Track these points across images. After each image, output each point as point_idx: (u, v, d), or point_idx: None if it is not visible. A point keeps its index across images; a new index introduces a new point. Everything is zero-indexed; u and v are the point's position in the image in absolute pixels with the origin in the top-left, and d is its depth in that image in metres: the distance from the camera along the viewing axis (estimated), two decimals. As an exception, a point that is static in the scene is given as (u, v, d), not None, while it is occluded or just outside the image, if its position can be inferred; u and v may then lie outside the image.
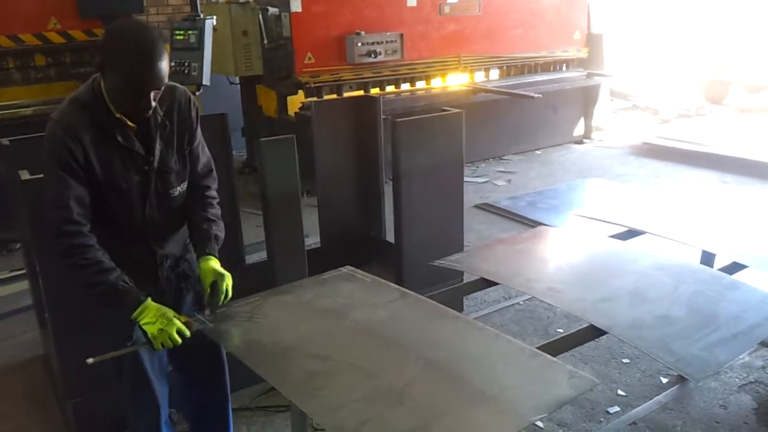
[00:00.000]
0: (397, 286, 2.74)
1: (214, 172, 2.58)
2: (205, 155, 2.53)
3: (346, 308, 2.53)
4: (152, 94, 2.16)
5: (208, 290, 2.41)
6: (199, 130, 2.46)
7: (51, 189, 2.20)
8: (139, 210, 2.33)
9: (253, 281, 2.87)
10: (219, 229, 2.50)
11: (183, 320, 2.29)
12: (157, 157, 2.31)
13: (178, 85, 2.41)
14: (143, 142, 2.29)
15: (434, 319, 2.49)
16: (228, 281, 2.42)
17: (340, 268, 2.85)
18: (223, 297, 2.42)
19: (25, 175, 2.80)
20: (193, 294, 2.57)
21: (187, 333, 2.26)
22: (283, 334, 2.37)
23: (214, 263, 2.42)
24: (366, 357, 2.24)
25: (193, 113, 2.42)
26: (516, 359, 2.21)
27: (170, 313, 2.25)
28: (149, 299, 2.24)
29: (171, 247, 2.49)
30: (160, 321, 2.21)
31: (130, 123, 2.24)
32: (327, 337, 2.38)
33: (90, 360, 2.25)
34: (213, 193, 2.55)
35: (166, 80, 2.18)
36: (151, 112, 2.23)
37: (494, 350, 2.29)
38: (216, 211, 2.52)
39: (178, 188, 2.43)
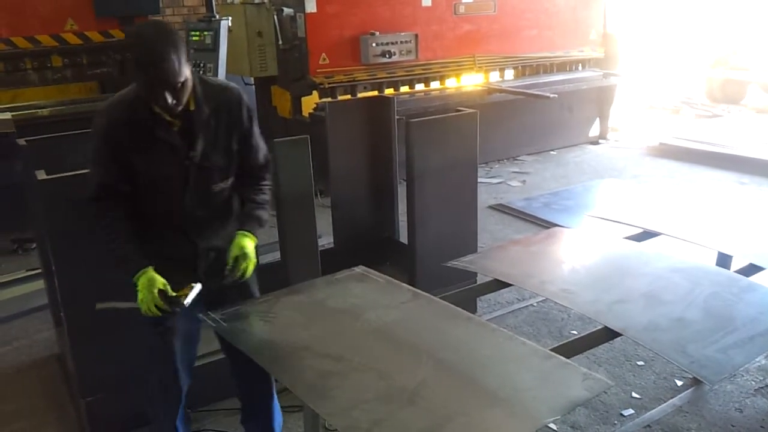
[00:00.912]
0: (409, 287, 2.74)
1: (270, 164, 2.68)
2: (261, 150, 2.61)
3: (359, 308, 2.54)
4: (173, 92, 2.23)
5: (230, 264, 2.49)
6: (254, 128, 2.56)
7: (90, 166, 2.44)
8: (178, 202, 2.44)
9: (267, 281, 2.87)
10: (263, 212, 2.59)
11: (175, 294, 2.36)
12: (198, 153, 2.39)
13: (230, 85, 2.52)
14: (186, 138, 2.37)
15: (447, 320, 2.48)
16: (250, 263, 2.50)
17: (353, 268, 2.85)
18: (239, 275, 2.49)
19: (41, 175, 2.83)
20: (237, 288, 2.59)
21: (163, 308, 2.35)
22: (296, 334, 2.38)
23: (245, 240, 2.50)
24: (378, 357, 2.24)
25: (244, 113, 2.50)
26: (529, 361, 2.20)
27: (157, 285, 2.34)
28: (148, 270, 2.36)
29: (215, 240, 2.54)
30: (143, 291, 2.35)
31: (170, 118, 2.33)
32: (339, 337, 2.39)
33: (99, 305, 2.52)
34: (265, 182, 2.65)
35: (180, 79, 2.22)
36: (194, 108, 2.35)
37: (507, 352, 2.28)
38: (265, 197, 2.61)
39: (221, 184, 2.50)
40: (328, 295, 2.65)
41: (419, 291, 2.70)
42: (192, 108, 2.36)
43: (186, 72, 2.24)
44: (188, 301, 2.37)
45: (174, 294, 2.37)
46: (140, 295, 2.36)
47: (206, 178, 2.45)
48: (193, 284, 2.41)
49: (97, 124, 2.38)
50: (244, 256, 2.49)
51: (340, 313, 2.54)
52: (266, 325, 2.44)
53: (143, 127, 2.34)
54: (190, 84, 2.29)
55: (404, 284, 2.76)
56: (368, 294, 2.68)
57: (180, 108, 2.30)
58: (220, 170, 2.48)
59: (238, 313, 2.48)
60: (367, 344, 2.33)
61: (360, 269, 2.85)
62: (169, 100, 2.24)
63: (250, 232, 2.53)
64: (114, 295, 2.93)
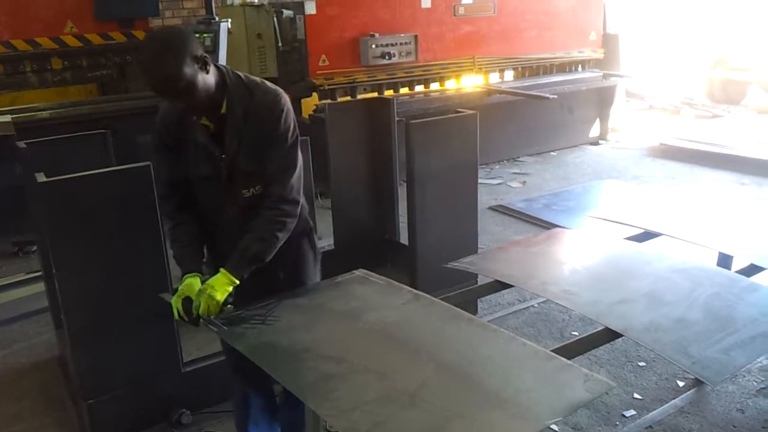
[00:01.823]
0: (410, 289, 2.73)
1: (288, 178, 2.47)
2: (274, 159, 2.44)
3: (360, 310, 2.53)
4: (173, 96, 2.27)
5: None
6: (281, 134, 2.43)
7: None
8: (214, 201, 2.51)
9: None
10: (256, 241, 2.41)
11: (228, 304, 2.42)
12: (228, 156, 2.41)
13: (269, 88, 2.47)
14: (219, 140, 2.41)
15: (448, 322, 2.48)
16: (204, 301, 2.35)
17: (353, 271, 2.85)
18: (195, 313, 2.38)
19: (41, 177, 2.82)
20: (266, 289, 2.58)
21: (178, 316, 2.42)
22: (297, 336, 2.37)
23: (216, 278, 2.37)
24: (379, 359, 2.23)
25: (269, 122, 2.41)
26: (531, 362, 2.19)
27: (184, 291, 2.40)
28: (189, 278, 2.42)
29: None
30: (175, 296, 2.43)
31: (206, 121, 2.40)
32: (341, 339, 2.38)
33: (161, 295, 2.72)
34: (277, 198, 2.46)
35: (178, 84, 2.21)
36: (225, 111, 2.38)
37: (508, 353, 2.27)
38: (264, 223, 2.43)
39: (252, 189, 2.48)
40: (329, 298, 2.65)
41: (420, 292, 2.69)
42: (224, 111, 2.39)
43: (187, 77, 2.21)
44: (200, 321, 2.40)
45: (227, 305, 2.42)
46: (173, 298, 2.45)
47: (237, 182, 2.45)
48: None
49: (153, 127, 2.51)
50: (201, 292, 2.37)
51: (341, 315, 2.53)
52: (267, 328, 2.43)
53: (183, 129, 2.42)
54: (202, 88, 2.27)
55: (404, 286, 2.75)
56: (369, 296, 2.67)
57: (195, 110, 2.35)
58: (248, 175, 2.45)
59: (238, 317, 2.47)
60: (368, 346, 2.33)
61: (360, 272, 2.84)
62: (175, 104, 2.31)
63: (231, 271, 2.38)
64: (114, 297, 2.95)
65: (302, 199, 2.60)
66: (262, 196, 2.47)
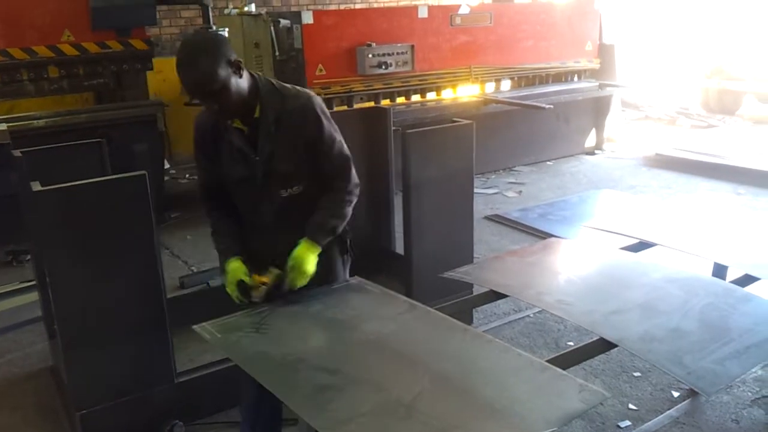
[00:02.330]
0: (406, 298, 2.73)
1: (348, 171, 2.68)
2: (330, 159, 2.61)
3: (355, 320, 2.52)
4: (207, 98, 2.36)
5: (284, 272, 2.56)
6: (326, 135, 2.57)
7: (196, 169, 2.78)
8: (250, 202, 2.63)
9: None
10: (331, 220, 2.60)
11: (253, 283, 2.54)
12: (263, 158, 2.51)
13: (301, 92, 2.58)
14: (253, 143, 2.52)
15: (443, 332, 2.47)
16: (298, 276, 2.53)
17: (348, 279, 2.85)
18: (288, 287, 2.56)
19: (36, 186, 2.81)
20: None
21: (239, 296, 2.55)
22: (292, 346, 2.36)
23: (301, 251, 2.53)
24: (375, 370, 2.22)
25: (309, 121, 2.54)
26: (525, 372, 2.19)
27: (239, 275, 2.53)
28: (234, 259, 2.56)
29: (290, 243, 2.57)
30: (226, 278, 2.57)
31: (240, 125, 2.51)
32: (336, 349, 2.38)
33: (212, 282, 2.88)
34: (341, 188, 2.66)
35: (212, 87, 2.31)
36: (259, 115, 2.48)
37: (504, 363, 2.27)
38: (334, 203, 2.63)
39: (289, 190, 2.58)
40: (325, 307, 2.64)
41: (415, 302, 2.69)
42: (257, 115, 2.49)
43: (221, 79, 2.31)
44: (260, 296, 2.55)
45: (251, 284, 2.54)
46: (227, 287, 2.57)
47: (273, 183, 2.56)
48: (272, 269, 2.56)
49: (193, 131, 2.62)
50: (293, 268, 2.53)
51: (337, 325, 2.52)
52: (261, 337, 2.42)
53: (220, 132, 2.54)
54: (235, 91, 2.38)
55: (400, 295, 2.75)
56: (365, 305, 2.67)
57: (229, 113, 2.45)
58: (285, 176, 2.56)
59: (231, 324, 2.46)
60: (363, 356, 2.32)
61: (355, 280, 2.84)
62: (208, 105, 2.41)
63: (312, 240, 2.56)
64: (109, 307, 2.94)
65: None
66: (301, 195, 2.60)
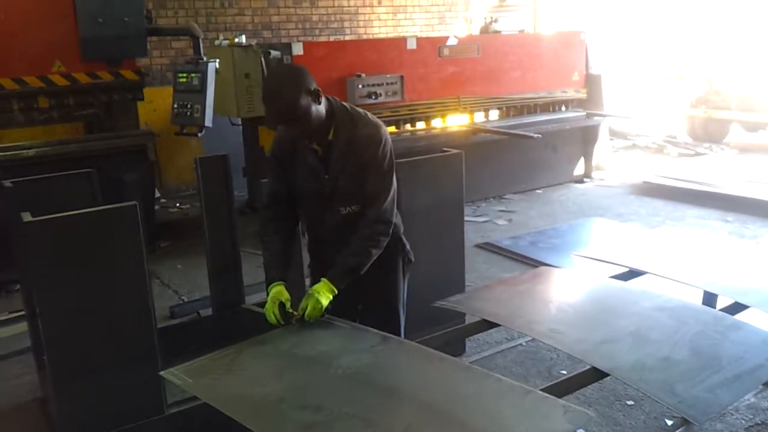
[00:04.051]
0: (376, 331, 2.71)
1: (381, 201, 2.78)
2: (372, 183, 2.76)
3: (329, 356, 2.49)
4: (286, 124, 2.67)
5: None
6: (377, 162, 2.75)
7: (267, 177, 3.03)
8: (316, 214, 2.88)
9: (253, 322, 2.85)
10: (354, 256, 2.75)
11: (291, 311, 2.71)
12: (331, 176, 2.77)
13: (370, 121, 2.79)
14: (324, 162, 2.77)
15: (421, 362, 2.47)
16: (311, 310, 2.67)
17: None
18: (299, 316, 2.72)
19: (27, 217, 2.81)
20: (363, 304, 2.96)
21: (274, 320, 2.71)
22: (269, 386, 2.31)
23: (320, 286, 2.71)
24: (360, 404, 2.20)
25: (368, 150, 2.73)
26: (509, 397, 2.20)
27: (280, 298, 2.71)
28: (278, 285, 2.75)
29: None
30: (268, 302, 2.74)
31: (315, 145, 2.76)
32: (315, 386, 2.34)
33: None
34: (371, 218, 2.78)
35: (290, 117, 2.60)
36: (332, 137, 2.72)
37: (486, 390, 2.28)
38: (361, 240, 2.76)
39: (348, 208, 2.81)
40: (294, 344, 2.61)
41: (387, 334, 2.67)
42: (330, 137, 2.73)
43: (302, 107, 2.58)
44: (297, 318, 2.71)
45: (291, 310, 2.72)
46: (267, 305, 2.74)
47: (337, 200, 2.80)
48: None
49: (272, 143, 2.90)
50: (308, 300, 2.70)
51: (311, 361, 2.48)
52: (235, 379, 2.36)
53: (297, 148, 2.79)
54: (314, 117, 2.63)
55: (369, 328, 2.74)
56: (335, 340, 2.64)
57: (308, 136, 2.72)
58: (347, 195, 2.79)
59: (200, 368, 2.41)
60: (345, 391, 2.29)
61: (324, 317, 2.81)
62: (290, 129, 2.69)
63: (331, 281, 2.71)
64: (98, 338, 2.92)
65: (397, 219, 2.93)
66: (358, 214, 2.80)
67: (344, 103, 2.81)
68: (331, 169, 2.76)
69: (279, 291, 2.74)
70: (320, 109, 2.66)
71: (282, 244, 2.88)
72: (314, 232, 2.97)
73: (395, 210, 2.86)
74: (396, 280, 3.03)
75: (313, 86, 2.63)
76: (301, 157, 2.81)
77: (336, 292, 2.71)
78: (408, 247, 3.06)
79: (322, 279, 2.72)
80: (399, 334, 2.97)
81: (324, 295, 2.69)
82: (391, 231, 2.82)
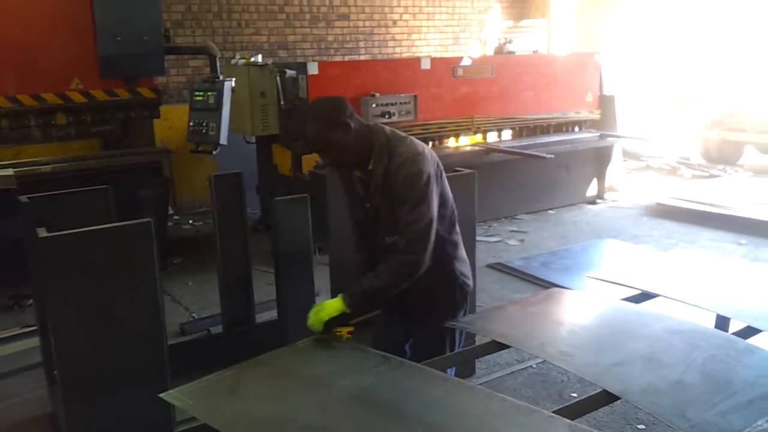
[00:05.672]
0: (377, 351, 2.71)
1: (409, 235, 2.72)
2: (401, 217, 2.72)
3: (332, 376, 2.49)
4: (318, 153, 2.84)
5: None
6: (406, 196, 2.71)
7: None
8: (370, 240, 2.95)
9: (264, 340, 2.86)
10: (374, 279, 2.74)
11: (338, 331, 2.74)
12: (373, 206, 2.84)
13: (405, 154, 2.74)
14: (367, 191, 2.85)
15: (424, 382, 2.46)
16: (309, 320, 2.75)
17: (313, 336, 2.83)
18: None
19: (42, 232, 2.83)
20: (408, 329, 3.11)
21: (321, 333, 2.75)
22: (274, 407, 2.31)
23: (332, 301, 2.76)
24: (366, 425, 2.19)
25: (401, 183, 2.71)
26: (515, 417, 2.20)
27: (318, 316, 2.73)
28: (325, 301, 2.79)
29: None
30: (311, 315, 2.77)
31: (358, 172, 2.86)
32: (320, 407, 2.33)
33: None
34: (399, 250, 2.74)
35: (316, 148, 2.80)
36: (372, 167, 2.77)
37: (492, 409, 2.27)
38: (387, 266, 2.75)
39: (392, 238, 2.79)
40: (296, 365, 2.61)
41: (388, 354, 2.67)
42: (371, 167, 2.78)
43: (326, 141, 2.70)
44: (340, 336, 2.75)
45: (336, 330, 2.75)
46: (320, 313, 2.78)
47: (380, 228, 2.85)
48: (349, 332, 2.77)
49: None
50: (316, 311, 2.76)
51: (314, 382, 2.48)
52: (238, 400, 2.35)
53: (347, 177, 2.95)
54: (347, 147, 2.72)
55: (370, 348, 2.73)
56: (337, 361, 2.64)
57: (340, 165, 2.89)
58: (388, 225, 2.80)
59: (201, 389, 2.41)
60: (350, 412, 2.29)
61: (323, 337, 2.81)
62: (323, 158, 2.82)
63: (344, 298, 2.73)
64: (109, 354, 2.93)
65: (451, 249, 2.97)
66: None
67: (386, 129, 2.83)
68: (371, 198, 2.83)
69: (317, 310, 2.78)
70: (350, 140, 2.72)
71: (359, 264, 3.01)
72: (372, 256, 2.97)
73: (431, 241, 2.72)
74: (449, 311, 3.03)
75: (343, 119, 2.70)
76: (350, 184, 2.94)
77: (347, 310, 2.70)
78: (464, 277, 3.03)
79: (340, 295, 2.75)
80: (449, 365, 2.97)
81: (327, 309, 2.71)
82: (419, 260, 2.71)
